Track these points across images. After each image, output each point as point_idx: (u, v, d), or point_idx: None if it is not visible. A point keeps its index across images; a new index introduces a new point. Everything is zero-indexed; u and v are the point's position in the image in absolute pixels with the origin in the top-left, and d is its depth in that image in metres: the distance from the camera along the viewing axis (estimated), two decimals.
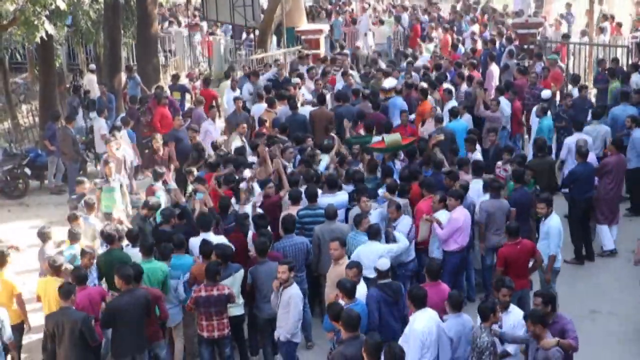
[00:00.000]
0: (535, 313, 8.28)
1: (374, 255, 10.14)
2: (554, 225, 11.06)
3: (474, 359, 8.42)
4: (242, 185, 12.29)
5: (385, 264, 9.45)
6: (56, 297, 9.39)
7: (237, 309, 10.15)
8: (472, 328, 8.73)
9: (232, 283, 9.93)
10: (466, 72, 19.10)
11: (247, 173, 12.72)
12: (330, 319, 8.56)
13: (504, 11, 31.39)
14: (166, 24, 30.44)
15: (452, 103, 16.52)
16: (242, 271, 10.15)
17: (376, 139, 14.21)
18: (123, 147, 15.67)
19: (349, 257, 10.27)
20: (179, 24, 30.38)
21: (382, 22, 28.35)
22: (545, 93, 17.07)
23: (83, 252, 10.43)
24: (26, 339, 10.93)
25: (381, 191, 11.76)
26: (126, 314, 9.20)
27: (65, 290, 9.11)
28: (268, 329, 10.12)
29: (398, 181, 12.27)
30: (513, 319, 8.83)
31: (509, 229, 10.56)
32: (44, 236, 11.31)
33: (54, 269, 10.03)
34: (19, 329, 10.39)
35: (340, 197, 11.93)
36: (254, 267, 10.20)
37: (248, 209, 11.68)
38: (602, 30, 24.48)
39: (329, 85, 19.11)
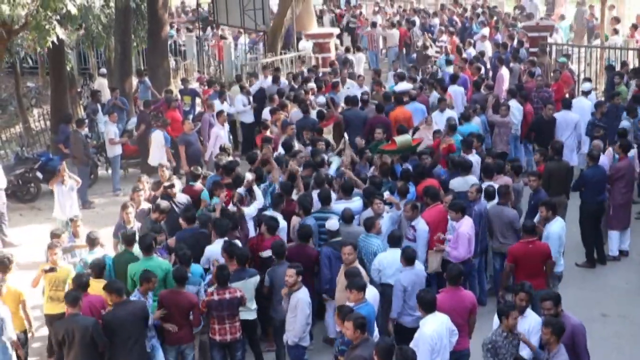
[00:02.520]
0: (556, 324, 8.24)
1: (398, 264, 10.16)
2: (553, 231, 11.03)
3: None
4: (240, 189, 12.32)
5: (334, 224, 10.72)
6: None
7: (250, 314, 10.16)
8: (424, 277, 9.99)
9: (243, 287, 9.95)
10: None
11: (248, 176, 12.72)
12: (338, 317, 8.52)
13: (515, 14, 31.32)
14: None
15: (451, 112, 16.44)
16: (257, 277, 10.16)
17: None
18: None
19: (359, 259, 10.31)
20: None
21: (393, 25, 28.28)
22: (586, 85, 17.12)
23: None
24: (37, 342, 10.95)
25: (386, 194, 11.73)
26: (124, 326, 9.15)
27: (72, 297, 9.12)
28: (283, 330, 10.10)
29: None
30: (529, 323, 8.79)
31: (524, 227, 10.64)
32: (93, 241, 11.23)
33: (98, 271, 10.04)
34: (23, 337, 10.34)
35: (356, 202, 11.91)
36: (271, 269, 10.25)
37: (249, 210, 11.79)
38: (616, 32, 24.37)
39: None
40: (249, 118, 18.95)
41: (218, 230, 10.90)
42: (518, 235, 11.46)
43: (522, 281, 9.33)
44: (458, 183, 12.63)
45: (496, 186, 12.12)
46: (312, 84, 19.13)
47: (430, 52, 22.51)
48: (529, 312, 8.94)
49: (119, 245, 11.35)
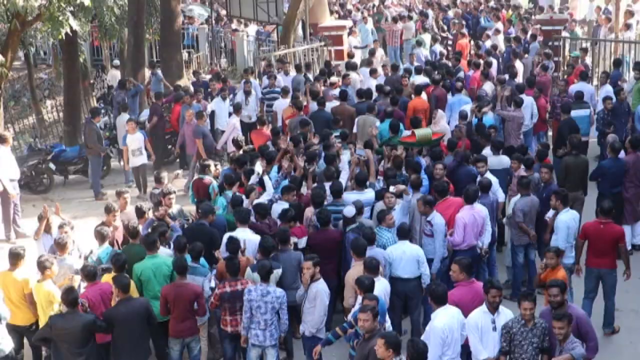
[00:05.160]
0: (568, 315, 8.26)
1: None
2: (561, 220, 11.02)
3: None
4: (253, 178, 12.33)
5: (351, 211, 10.92)
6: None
7: None
8: (392, 259, 10.27)
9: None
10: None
11: (258, 167, 12.69)
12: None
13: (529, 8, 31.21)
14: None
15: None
16: (279, 270, 10.07)
17: (406, 133, 14.24)
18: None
19: None
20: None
21: (410, 18, 28.12)
22: None
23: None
24: None
25: (392, 188, 11.67)
26: (125, 323, 9.17)
27: (72, 299, 9.04)
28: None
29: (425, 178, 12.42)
30: (504, 319, 8.78)
31: (601, 208, 10.84)
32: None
33: (119, 267, 9.88)
34: (32, 330, 10.22)
35: (368, 194, 11.93)
36: (275, 254, 10.27)
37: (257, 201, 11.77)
38: (628, 27, 24.21)
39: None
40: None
41: (239, 219, 10.88)
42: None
43: (490, 279, 9.29)
44: (492, 162, 12.91)
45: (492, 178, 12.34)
46: (334, 78, 19.00)
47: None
48: (502, 308, 8.87)
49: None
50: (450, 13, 29.83)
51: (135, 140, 16.62)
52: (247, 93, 18.41)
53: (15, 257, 10.15)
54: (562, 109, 15.71)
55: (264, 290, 9.42)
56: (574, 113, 15.52)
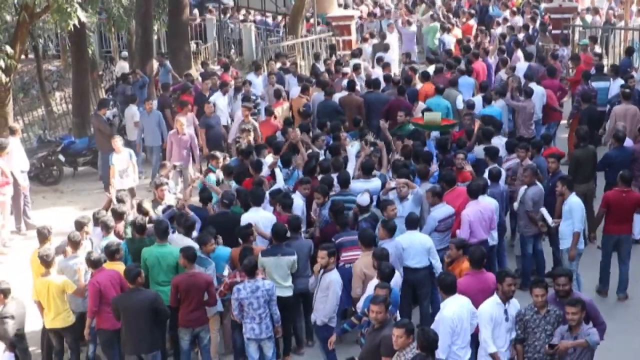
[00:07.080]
0: (582, 301, 8.24)
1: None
2: (575, 202, 10.99)
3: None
4: (265, 171, 12.32)
5: (365, 200, 10.92)
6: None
7: (283, 291, 10.04)
8: (403, 249, 10.18)
9: (275, 264, 9.95)
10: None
11: (269, 159, 12.68)
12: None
13: None
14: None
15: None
16: (292, 257, 10.03)
17: (417, 115, 14.42)
18: None
19: None
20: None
21: (430, 6, 28.09)
22: None
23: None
24: None
25: (393, 183, 11.62)
26: (129, 312, 9.25)
27: (5, 289, 9.60)
28: (297, 304, 10.22)
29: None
30: (514, 309, 8.76)
31: (621, 176, 11.30)
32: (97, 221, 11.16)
33: (110, 254, 9.99)
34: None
35: (375, 183, 11.90)
36: (286, 242, 10.23)
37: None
38: None
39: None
40: None
41: (253, 199, 11.02)
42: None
43: (504, 269, 9.27)
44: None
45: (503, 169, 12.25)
46: (347, 69, 18.96)
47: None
48: (514, 300, 8.83)
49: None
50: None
51: (122, 160, 14.91)
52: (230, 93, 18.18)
53: (42, 235, 10.54)
54: (583, 98, 15.61)
55: (252, 286, 9.42)
56: (594, 84, 15.87)
